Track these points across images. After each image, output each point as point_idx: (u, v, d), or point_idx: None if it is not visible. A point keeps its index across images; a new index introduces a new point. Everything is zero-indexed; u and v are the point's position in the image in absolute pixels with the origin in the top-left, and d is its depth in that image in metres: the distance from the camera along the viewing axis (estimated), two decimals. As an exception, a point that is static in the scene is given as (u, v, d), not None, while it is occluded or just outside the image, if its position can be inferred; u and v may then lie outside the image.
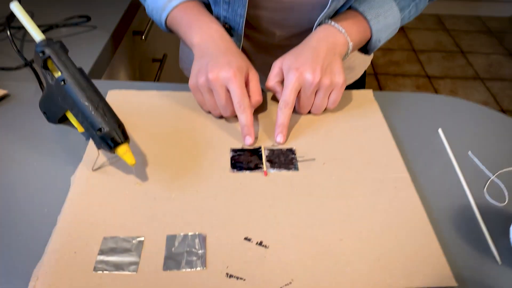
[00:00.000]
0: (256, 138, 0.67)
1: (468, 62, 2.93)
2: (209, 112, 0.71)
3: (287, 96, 0.66)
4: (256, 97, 0.67)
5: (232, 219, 0.55)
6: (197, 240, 0.52)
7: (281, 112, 0.66)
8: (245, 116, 0.64)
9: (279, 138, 0.66)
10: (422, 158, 0.67)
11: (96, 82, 0.63)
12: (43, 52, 0.57)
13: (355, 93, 0.78)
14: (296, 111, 0.71)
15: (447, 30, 3.28)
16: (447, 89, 2.70)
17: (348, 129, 0.70)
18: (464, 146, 0.69)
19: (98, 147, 0.58)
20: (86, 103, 0.56)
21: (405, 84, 2.74)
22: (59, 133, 0.68)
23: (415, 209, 0.57)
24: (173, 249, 0.51)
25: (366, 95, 0.78)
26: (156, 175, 0.61)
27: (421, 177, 0.63)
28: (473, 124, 0.74)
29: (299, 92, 0.67)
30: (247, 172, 0.62)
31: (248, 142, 0.65)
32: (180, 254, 0.51)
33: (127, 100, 0.74)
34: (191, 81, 0.69)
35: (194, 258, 0.50)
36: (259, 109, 0.73)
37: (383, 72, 2.83)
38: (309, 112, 0.72)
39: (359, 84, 1.03)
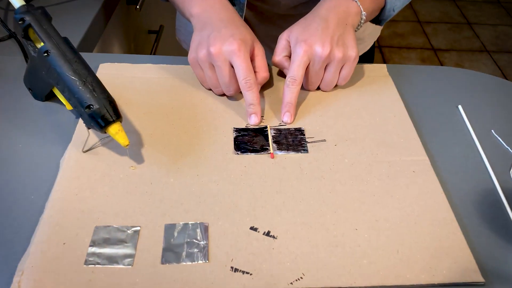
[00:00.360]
0: (262, 117, 0.61)
1: (474, 34, 2.84)
2: (210, 89, 0.65)
3: (294, 72, 0.60)
4: (263, 73, 0.61)
5: (236, 206, 0.50)
6: (198, 230, 0.48)
7: (288, 89, 0.60)
8: (251, 93, 0.58)
9: (286, 117, 0.61)
10: (441, 138, 0.62)
11: (86, 56, 0.57)
12: (22, 20, 0.51)
13: (367, 67, 0.72)
14: (304, 87, 0.65)
15: (453, 0, 3.17)
16: (453, 62, 2.62)
17: (361, 107, 0.64)
18: (487, 124, 0.64)
19: (88, 127, 0.53)
20: (73, 77, 0.50)
21: (410, 57, 2.66)
22: (47, 111, 0.62)
23: (436, 195, 0.52)
24: (172, 240, 0.47)
25: (379, 69, 0.72)
26: (152, 157, 0.55)
27: (440, 159, 0.58)
28: (495, 100, 0.69)
29: (307, 67, 0.61)
30: (252, 155, 0.57)
31: (253, 122, 0.60)
32: (180, 245, 0.46)
33: (120, 74, 0.68)
34: (191, 55, 0.62)
35: (196, 250, 0.46)
36: (264, 85, 0.67)
37: (387, 45, 2.74)
38: (318, 88, 0.66)
39: (367, 57, 0.96)
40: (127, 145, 0.51)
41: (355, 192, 0.52)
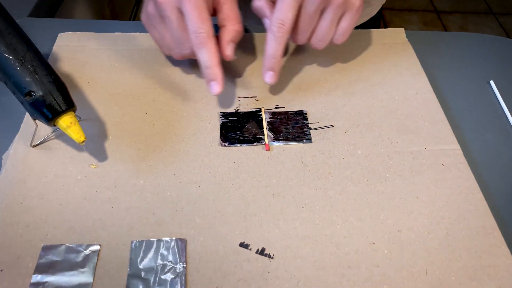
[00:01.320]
0: (255, 98, 0.49)
1: (480, -6, 2.66)
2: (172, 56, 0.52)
3: (283, 14, 0.45)
4: (233, 25, 0.47)
5: (222, 215, 0.40)
6: (174, 249, 0.37)
7: (274, 37, 0.46)
8: (205, 51, 0.45)
9: (268, 77, 0.47)
10: (471, 120, 0.50)
11: (43, 22, 0.45)
12: None
13: (382, 32, 0.59)
14: (291, 39, 0.50)
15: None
16: (457, 25, 2.46)
17: (376, 83, 0.53)
18: (527, 103, 0.53)
19: (33, 117, 0.41)
20: (5, 54, 0.38)
21: (412, 20, 2.49)
22: (-10, 93, 0.51)
23: (472, 196, 0.42)
24: (140, 262, 0.37)
25: (396, 34, 0.59)
26: (118, 153, 0.45)
27: (472, 146, 0.48)
28: (536, 73, 0.57)
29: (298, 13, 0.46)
30: (243, 146, 0.46)
31: (214, 91, 0.46)
32: (150, 270, 0.36)
33: (82, 46, 0.56)
34: (142, 15, 0.50)
35: (170, 276, 0.36)
36: (249, 53, 0.55)
37: (387, 7, 2.56)
38: (308, 44, 0.52)
39: (374, 22, 0.83)
40: (82, 142, 0.40)
41: (371, 193, 0.42)
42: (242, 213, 0.40)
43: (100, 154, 0.44)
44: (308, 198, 0.41)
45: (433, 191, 0.42)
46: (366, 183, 0.43)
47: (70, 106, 0.40)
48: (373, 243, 0.38)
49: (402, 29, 0.60)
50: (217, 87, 0.46)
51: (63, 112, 0.39)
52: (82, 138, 0.40)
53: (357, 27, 0.59)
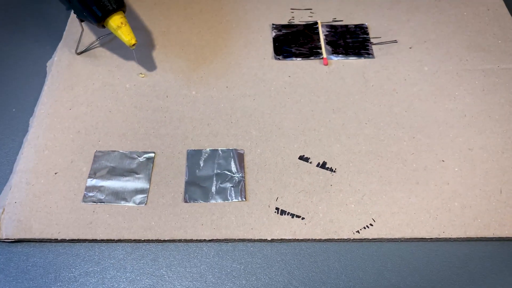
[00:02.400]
0: (310, 9, 0.45)
1: None
2: None
3: None
4: None
5: (279, 129, 0.38)
6: (231, 159, 0.36)
7: None
8: None
9: None
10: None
11: None
12: None
13: None
14: None
15: None
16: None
17: (443, 4, 0.48)
18: None
19: (81, 19, 0.39)
20: None
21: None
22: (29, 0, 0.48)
23: (550, 117, 0.39)
24: (197, 171, 0.35)
25: None
26: (167, 62, 0.42)
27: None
28: None
29: None
30: (299, 60, 0.42)
31: None
32: (208, 178, 0.35)
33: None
34: None
35: (229, 184, 0.34)
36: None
37: None
38: None
39: None
40: (133, 45, 0.38)
41: (440, 111, 0.39)
42: (301, 128, 0.38)
43: (148, 64, 0.42)
44: (372, 114, 0.39)
45: (507, 110, 0.39)
46: (434, 101, 0.39)
47: (120, 5, 0.37)
48: (443, 161, 0.36)
49: None
50: None
51: (113, 11, 0.36)
52: (133, 41, 0.37)
53: None
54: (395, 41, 0.44)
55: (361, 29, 0.45)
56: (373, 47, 0.43)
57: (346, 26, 0.45)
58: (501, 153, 0.36)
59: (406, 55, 0.43)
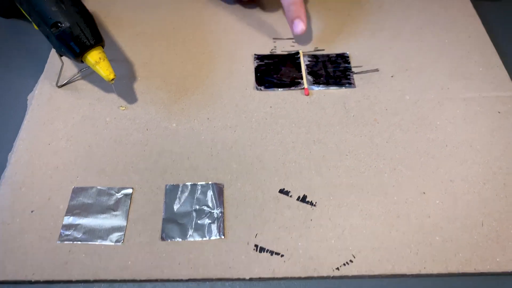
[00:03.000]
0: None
1: None
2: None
3: None
4: None
5: (260, 161, 0.37)
6: (210, 194, 0.35)
7: None
8: None
9: (298, 27, 0.43)
10: (531, 68, 0.46)
11: None
12: None
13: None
14: None
15: None
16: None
17: (425, 24, 0.48)
18: None
19: (59, 53, 0.39)
20: (29, -19, 0.35)
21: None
22: (12, 31, 0.48)
23: (532, 145, 0.39)
24: (175, 207, 0.35)
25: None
26: (148, 94, 0.42)
27: (531, 95, 0.43)
28: None
29: None
30: (280, 90, 0.42)
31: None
32: (186, 215, 0.34)
33: (106, -16, 0.52)
34: None
35: (207, 221, 0.34)
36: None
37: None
38: None
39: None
40: (112, 80, 0.38)
41: (421, 141, 0.39)
42: (281, 160, 0.38)
43: (129, 96, 0.42)
44: (352, 145, 0.38)
45: (488, 140, 0.39)
46: (415, 131, 0.39)
47: (98, 40, 0.37)
48: (424, 193, 0.35)
49: (453, -32, 0.54)
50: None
51: (91, 47, 0.37)
52: (112, 76, 0.37)
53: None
54: (377, 70, 0.44)
55: (342, 58, 0.45)
56: (355, 76, 0.43)
57: (328, 55, 0.45)
58: (483, 184, 0.36)
59: (387, 83, 0.43)
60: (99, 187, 0.36)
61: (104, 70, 0.37)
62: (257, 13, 0.49)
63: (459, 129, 0.39)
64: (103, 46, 0.38)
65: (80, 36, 0.36)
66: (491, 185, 0.36)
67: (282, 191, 0.36)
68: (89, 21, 0.37)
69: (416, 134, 0.39)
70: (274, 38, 0.47)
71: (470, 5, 0.50)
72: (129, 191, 0.36)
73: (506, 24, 0.50)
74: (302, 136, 0.39)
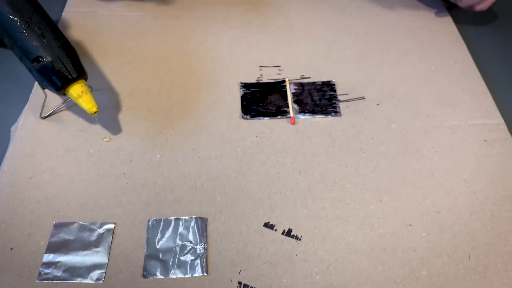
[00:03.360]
0: (279, 67, 0.45)
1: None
2: None
3: None
4: None
5: (245, 193, 0.37)
6: (194, 228, 0.35)
7: None
8: None
9: None
10: (517, 93, 0.46)
11: None
12: None
13: (416, -3, 0.55)
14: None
15: None
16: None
17: (410, 50, 0.48)
18: None
19: (42, 86, 0.39)
20: (11, 16, 0.35)
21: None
22: (-3, 61, 0.48)
23: (518, 174, 0.38)
24: (157, 243, 0.34)
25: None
26: (133, 125, 0.42)
27: (518, 122, 0.43)
28: None
29: None
30: (266, 119, 0.42)
31: None
32: (168, 251, 0.34)
33: (93, 12, 0.52)
34: None
35: (190, 257, 0.33)
36: (270, 16, 0.51)
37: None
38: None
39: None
40: (95, 113, 0.37)
41: (407, 170, 0.38)
42: (267, 191, 0.37)
43: (113, 127, 0.41)
44: (338, 175, 0.38)
45: (475, 169, 0.38)
46: (401, 160, 0.39)
47: (80, 73, 0.37)
48: (410, 225, 0.35)
49: (438, -7, 0.55)
50: None
51: (73, 80, 0.36)
52: (94, 109, 0.37)
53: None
54: (363, 98, 0.44)
55: (328, 86, 0.45)
56: (341, 104, 0.43)
57: (314, 83, 0.45)
58: (469, 215, 0.36)
59: (373, 112, 0.43)
60: (81, 222, 0.35)
61: (87, 103, 0.37)
62: (244, 40, 0.49)
63: (445, 158, 0.39)
64: (86, 79, 0.38)
65: (61, 70, 0.36)
66: (478, 216, 0.36)
67: (267, 225, 0.35)
68: (71, 54, 0.37)
69: (402, 163, 0.39)
70: (260, 66, 0.47)
71: (456, 30, 0.50)
72: (111, 226, 0.35)
73: (491, 49, 0.50)
74: (288, 166, 0.39)
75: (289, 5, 0.53)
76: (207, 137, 0.41)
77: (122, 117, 0.42)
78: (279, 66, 0.47)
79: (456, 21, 0.52)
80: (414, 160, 0.39)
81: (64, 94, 0.37)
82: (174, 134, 0.41)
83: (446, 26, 0.51)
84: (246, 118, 0.42)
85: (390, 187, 0.37)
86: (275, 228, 0.35)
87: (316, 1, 0.54)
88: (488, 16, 0.54)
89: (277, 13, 0.53)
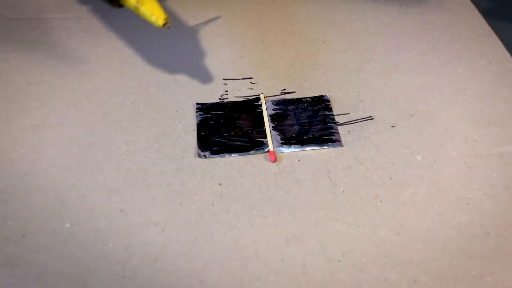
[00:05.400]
0: (251, 79, 0.32)
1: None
2: None
3: None
4: None
5: (202, 283, 0.23)
6: None
7: None
8: None
9: None
10: None
11: None
12: None
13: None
14: None
15: None
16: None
17: (428, 51, 0.36)
18: None
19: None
20: None
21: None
22: None
23: None
24: None
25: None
26: (32, 177, 0.28)
27: None
28: None
29: None
30: (234, 157, 0.29)
31: None
32: None
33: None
34: None
35: None
36: (239, 19, 0.38)
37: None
38: None
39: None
40: (164, 25, 0.29)
41: (449, 230, 0.25)
42: (237, 276, 0.24)
43: (7, 180, 0.27)
44: (346, 242, 0.25)
45: (497, 197, 0.26)
46: (437, 212, 0.26)
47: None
48: (415, 281, 0.22)
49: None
50: None
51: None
52: (162, 18, 0.29)
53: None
54: (371, 118, 0.31)
55: (321, 103, 0.32)
56: (340, 128, 0.30)
57: (300, 99, 0.32)
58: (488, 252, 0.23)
59: (387, 137, 0.30)
60: None
61: (151, 12, 0.29)
62: (202, 47, 0.36)
63: (501, 205, 0.26)
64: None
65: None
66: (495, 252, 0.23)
67: None
68: None
69: (439, 217, 0.26)
70: (224, 79, 0.34)
71: (483, 20, 0.38)
72: None
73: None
74: (269, 232, 0.25)
75: (261, -4, 0.40)
76: (144, 191, 0.27)
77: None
78: (251, 78, 0.33)
79: (480, 11, 0.39)
80: (457, 211, 0.26)
81: (121, 6, 0.30)
82: (93, 188, 0.27)
83: (469, 16, 0.39)
84: (205, 157, 0.29)
85: (426, 258, 0.24)
86: None
87: (296, -10, 0.41)
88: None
89: (246, 6, 0.39)
